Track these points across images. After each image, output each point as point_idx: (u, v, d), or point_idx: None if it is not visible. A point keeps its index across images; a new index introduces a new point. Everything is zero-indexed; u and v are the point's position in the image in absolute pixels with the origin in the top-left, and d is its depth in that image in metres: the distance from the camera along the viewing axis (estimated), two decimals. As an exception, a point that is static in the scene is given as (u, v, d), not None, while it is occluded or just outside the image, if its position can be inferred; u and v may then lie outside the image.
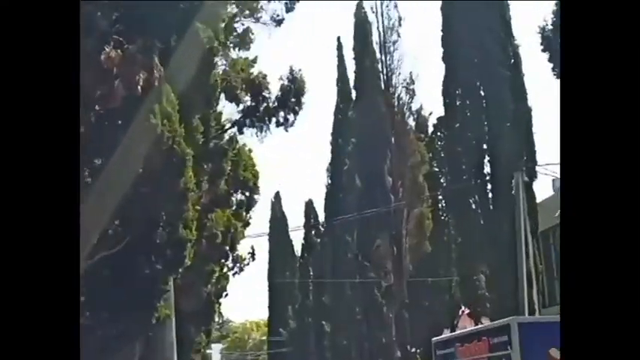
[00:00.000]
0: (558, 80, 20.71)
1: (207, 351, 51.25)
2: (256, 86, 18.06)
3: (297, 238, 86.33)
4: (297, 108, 17.93)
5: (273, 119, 17.95)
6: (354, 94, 48.28)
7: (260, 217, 66.40)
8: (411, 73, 43.42)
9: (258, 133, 18.08)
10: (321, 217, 59.30)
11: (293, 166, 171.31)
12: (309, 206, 63.61)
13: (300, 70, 18.11)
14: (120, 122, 12.97)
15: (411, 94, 44.10)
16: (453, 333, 24.59)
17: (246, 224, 20.36)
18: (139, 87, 11.91)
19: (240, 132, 18.28)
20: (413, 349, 41.06)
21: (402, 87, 43.96)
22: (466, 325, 33.99)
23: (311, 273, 61.44)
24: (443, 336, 26.90)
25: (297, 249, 70.74)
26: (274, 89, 18.25)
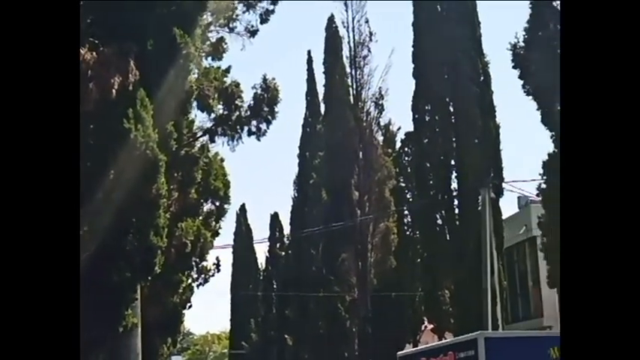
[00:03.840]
0: (527, 97, 20.83)
1: (168, 363, 50.73)
2: (229, 95, 17.88)
3: (261, 250, 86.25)
4: (269, 117, 17.79)
5: (246, 128, 17.79)
6: (323, 108, 48.40)
7: (224, 229, 66.11)
8: (380, 88, 43.73)
9: (230, 142, 17.95)
10: (287, 230, 59.22)
11: (260, 178, 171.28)
12: (275, 218, 63.49)
13: (273, 79, 18.04)
14: (92, 126, 12.75)
15: (380, 108, 44.38)
16: (419, 347, 24.57)
17: (216, 234, 20.15)
18: (114, 90, 11.72)
19: (212, 140, 18.12)
20: (376, 364, 41.00)
21: (372, 101, 44.21)
22: (428, 341, 34.00)
23: (274, 286, 61.23)
24: (408, 350, 26.91)
25: (261, 261, 70.60)
26: (247, 98, 18.13)
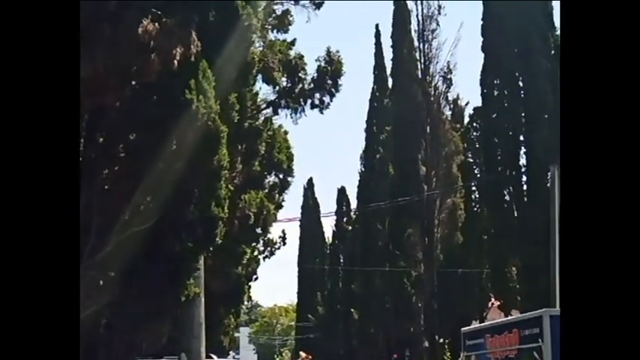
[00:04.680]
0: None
1: (235, 334, 51.46)
2: (293, 67, 17.80)
3: (328, 224, 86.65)
4: (333, 90, 17.64)
5: (309, 101, 17.69)
6: (390, 82, 48.05)
7: (292, 202, 66.75)
8: (448, 62, 43.16)
9: (293, 115, 17.88)
10: (354, 204, 59.24)
11: (327, 152, 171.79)
12: (342, 193, 63.58)
13: (337, 51, 17.87)
14: (155, 97, 12.85)
15: (449, 83, 43.81)
16: (483, 324, 24.38)
17: (279, 206, 20.20)
18: (176, 61, 11.77)
19: (275, 113, 18.06)
20: (441, 340, 40.85)
21: (440, 76, 43.68)
22: (495, 318, 33.67)
23: (341, 260, 61.42)
24: (473, 326, 26.69)
25: (328, 235, 70.84)
26: (311, 70, 18.01)
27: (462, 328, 22.33)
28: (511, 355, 17.17)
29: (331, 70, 17.57)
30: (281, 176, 19.63)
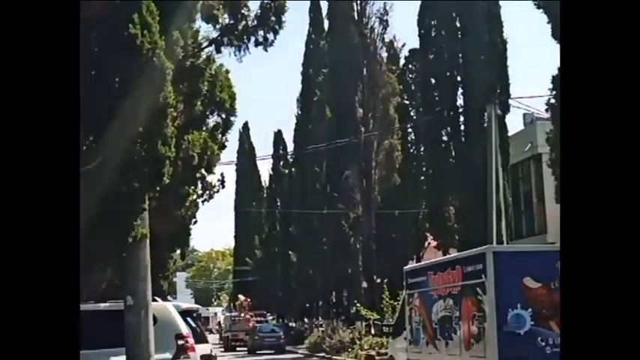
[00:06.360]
0: (537, 11, 20.24)
1: (173, 279, 51.28)
2: (235, 4, 17.44)
3: (264, 167, 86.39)
4: (277, 27, 17.33)
5: (252, 38, 17.34)
6: (326, 24, 47.76)
7: (227, 146, 66.18)
8: (385, 3, 43.15)
9: (237, 53, 17.51)
10: (290, 148, 59.16)
11: (263, 96, 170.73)
12: (278, 136, 63.35)
13: (281, -12, 17.56)
14: (96, 32, 12.43)
15: (385, 24, 43.83)
16: (427, 261, 24.65)
17: (222, 147, 19.96)
18: (118, -6, 11.39)
19: (218, 51, 17.66)
20: (379, 280, 41.43)
21: (376, 17, 43.64)
22: (431, 257, 34.19)
23: (278, 203, 61.48)
24: (415, 264, 27.00)
25: (265, 179, 70.78)
26: (254, 7, 17.64)
27: (404, 267, 22.56)
28: (454, 292, 17.42)
29: (275, 7, 17.25)
30: (223, 116, 19.36)
